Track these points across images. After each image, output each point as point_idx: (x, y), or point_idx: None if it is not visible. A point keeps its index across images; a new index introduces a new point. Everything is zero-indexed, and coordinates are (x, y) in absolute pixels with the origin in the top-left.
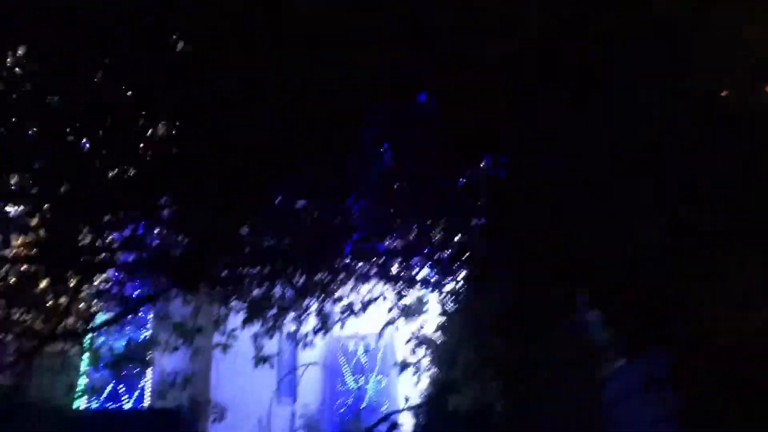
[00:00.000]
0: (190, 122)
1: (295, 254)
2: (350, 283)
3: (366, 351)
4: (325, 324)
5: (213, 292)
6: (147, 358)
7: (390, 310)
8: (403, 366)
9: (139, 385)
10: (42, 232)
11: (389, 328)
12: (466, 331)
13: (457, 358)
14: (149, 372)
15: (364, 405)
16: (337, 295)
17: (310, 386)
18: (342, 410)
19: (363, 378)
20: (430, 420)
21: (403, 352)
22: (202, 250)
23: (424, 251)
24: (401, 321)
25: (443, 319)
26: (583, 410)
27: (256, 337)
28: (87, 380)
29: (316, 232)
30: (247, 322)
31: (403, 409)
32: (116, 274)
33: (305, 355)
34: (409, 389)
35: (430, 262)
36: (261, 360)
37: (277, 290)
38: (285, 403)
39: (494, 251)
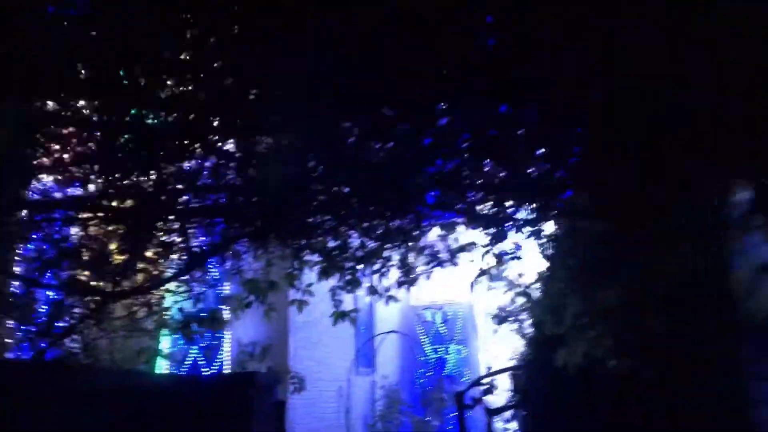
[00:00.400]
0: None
1: (372, 198)
2: (436, 230)
3: (444, 321)
4: (408, 276)
5: (285, 243)
6: (219, 320)
7: (484, 255)
8: (502, 320)
9: (218, 357)
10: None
11: (470, 296)
12: (572, 279)
13: (561, 309)
14: (227, 345)
15: (444, 375)
16: (421, 244)
17: (388, 357)
18: (422, 381)
19: (442, 348)
20: (531, 380)
21: (498, 304)
22: (272, 197)
23: (521, 188)
24: (495, 270)
25: (544, 265)
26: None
27: (333, 292)
28: (163, 347)
29: (395, 170)
30: (323, 275)
31: (497, 372)
32: (180, 224)
33: (382, 326)
34: (491, 359)
35: (528, 201)
36: (340, 316)
37: (355, 241)
38: (364, 374)
39: (608, 174)
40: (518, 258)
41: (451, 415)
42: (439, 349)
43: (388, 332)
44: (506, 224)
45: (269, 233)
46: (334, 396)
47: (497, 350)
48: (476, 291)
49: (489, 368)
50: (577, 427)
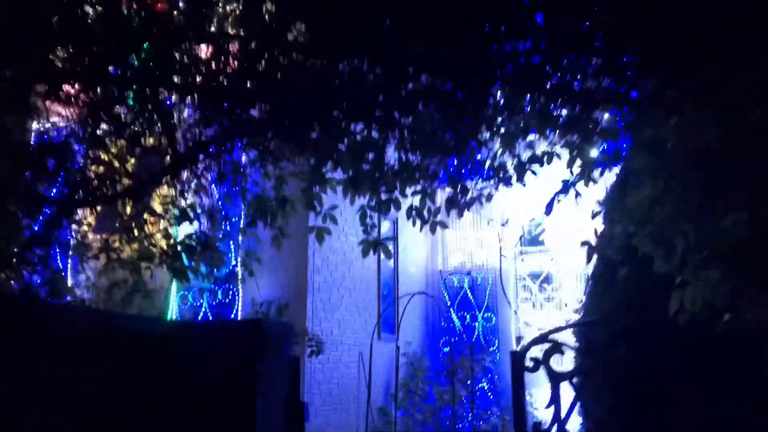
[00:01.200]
0: None
1: (417, 100)
2: (500, 138)
3: (472, 287)
4: (465, 193)
5: (301, 148)
6: (215, 250)
7: (570, 163)
8: (592, 250)
9: (231, 316)
10: None
11: (504, 260)
12: (685, 201)
13: (672, 240)
14: (240, 302)
15: (472, 343)
16: (479, 157)
17: (412, 323)
18: (447, 349)
19: (469, 316)
20: (615, 338)
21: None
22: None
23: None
24: (581, 186)
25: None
26: None
27: (363, 212)
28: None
29: (445, 65)
30: (351, 188)
31: (567, 326)
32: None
33: (406, 291)
34: (522, 328)
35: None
36: (371, 246)
37: (391, 155)
38: (386, 340)
39: None
40: (617, 164)
41: (510, 378)
42: (466, 317)
43: (414, 294)
44: (595, 128)
45: (278, 127)
46: (354, 362)
47: (528, 318)
48: (509, 255)
49: (519, 338)
50: (681, 400)
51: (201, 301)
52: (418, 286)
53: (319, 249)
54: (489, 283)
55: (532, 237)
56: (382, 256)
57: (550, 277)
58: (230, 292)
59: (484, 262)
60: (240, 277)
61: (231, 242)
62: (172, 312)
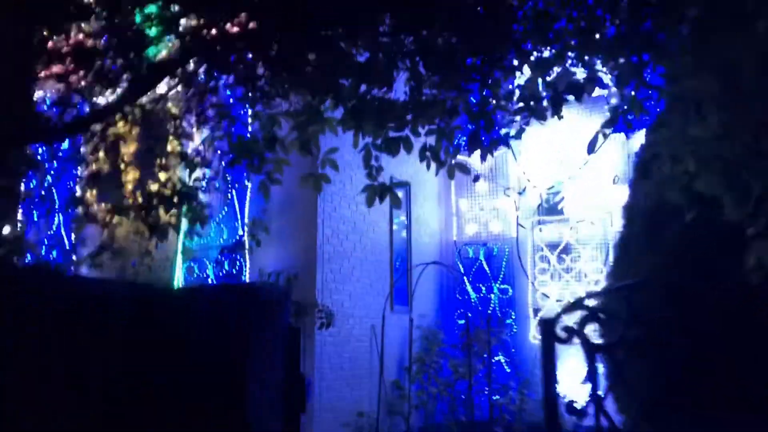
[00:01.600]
0: None
1: (431, 17)
2: (532, 64)
3: (488, 258)
4: (488, 126)
5: (294, 91)
6: (194, 199)
7: (620, 85)
8: (642, 179)
9: None
10: None
11: (521, 230)
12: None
13: (745, 179)
14: (247, 273)
15: (488, 315)
16: (507, 86)
17: (426, 295)
18: (462, 321)
19: (485, 287)
20: (664, 303)
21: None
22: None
23: None
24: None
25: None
26: None
27: (368, 152)
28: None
29: None
30: (351, 121)
31: (603, 292)
32: None
33: (420, 262)
34: (539, 300)
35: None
36: (376, 193)
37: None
38: (399, 312)
39: None
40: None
41: (540, 347)
42: (481, 288)
43: (427, 264)
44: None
45: (257, 48)
46: (366, 334)
47: (547, 290)
48: (526, 225)
49: (537, 310)
50: (749, 368)
51: (207, 272)
52: (432, 257)
53: (329, 218)
54: (505, 254)
55: (550, 206)
56: (395, 226)
57: (569, 247)
58: (237, 263)
59: (501, 232)
60: (247, 247)
61: (237, 211)
62: (178, 283)
